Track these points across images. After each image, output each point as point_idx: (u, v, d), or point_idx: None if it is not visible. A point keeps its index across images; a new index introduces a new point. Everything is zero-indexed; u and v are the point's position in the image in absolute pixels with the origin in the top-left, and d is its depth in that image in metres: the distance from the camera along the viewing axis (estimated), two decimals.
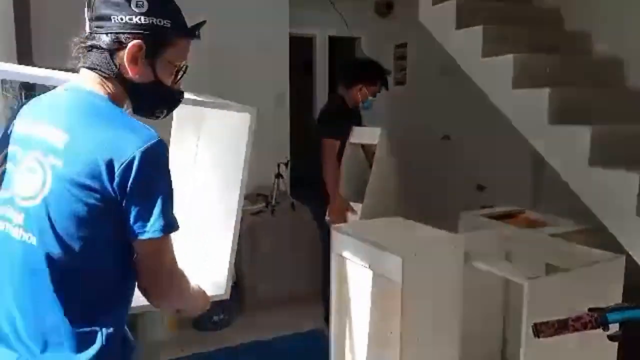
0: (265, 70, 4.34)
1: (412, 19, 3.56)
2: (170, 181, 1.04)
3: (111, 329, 1.04)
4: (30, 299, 1.00)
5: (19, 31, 2.17)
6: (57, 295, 0.99)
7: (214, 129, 1.71)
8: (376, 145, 2.95)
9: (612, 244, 2.24)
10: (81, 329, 1.00)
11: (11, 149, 1.07)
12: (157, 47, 1.11)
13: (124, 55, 1.08)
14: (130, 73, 1.09)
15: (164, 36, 1.12)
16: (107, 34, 1.08)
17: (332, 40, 5.64)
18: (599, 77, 3.12)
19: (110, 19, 1.07)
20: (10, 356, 1.00)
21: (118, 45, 1.07)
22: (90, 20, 1.11)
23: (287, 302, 3.70)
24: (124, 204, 0.99)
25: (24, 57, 2.65)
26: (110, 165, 0.97)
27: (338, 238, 2.26)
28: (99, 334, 1.02)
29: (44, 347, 1.00)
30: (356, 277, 2.25)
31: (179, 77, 1.20)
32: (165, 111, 1.21)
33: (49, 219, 0.98)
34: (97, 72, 1.09)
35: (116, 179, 0.97)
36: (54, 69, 1.52)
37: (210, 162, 1.67)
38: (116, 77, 1.09)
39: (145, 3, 1.08)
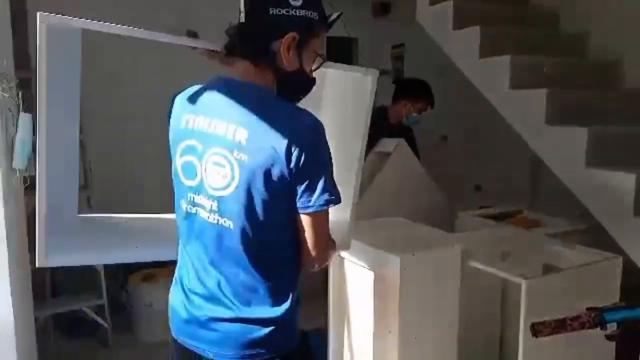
0: None
1: (410, 20, 3.56)
2: (331, 158, 1.18)
3: (296, 291, 1.26)
4: (232, 270, 1.20)
5: (15, 28, 2.17)
6: (253, 266, 1.18)
7: (334, 95, 1.75)
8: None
9: (609, 244, 2.25)
10: (275, 291, 1.21)
11: (189, 143, 1.22)
12: (306, 38, 1.22)
13: (280, 45, 1.18)
14: (284, 62, 1.20)
15: (312, 28, 1.22)
16: (266, 25, 1.18)
17: (330, 41, 5.64)
18: (596, 78, 3.13)
19: (269, 12, 1.17)
20: (222, 310, 1.21)
21: (276, 36, 1.18)
22: (247, 12, 1.22)
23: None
24: (294, 183, 1.13)
25: (20, 53, 2.64)
26: (287, 150, 1.10)
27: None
28: (290, 295, 1.24)
29: (247, 303, 1.20)
30: (354, 277, 2.26)
31: (318, 65, 1.29)
32: (302, 97, 1.29)
33: (241, 205, 1.14)
34: (252, 61, 1.20)
35: (292, 162, 1.11)
36: None
37: (331, 127, 1.71)
38: (269, 65, 1.20)
39: None
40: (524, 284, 1.73)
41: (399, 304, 1.90)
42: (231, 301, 1.21)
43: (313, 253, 1.21)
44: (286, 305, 1.23)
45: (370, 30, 5.57)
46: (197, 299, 1.25)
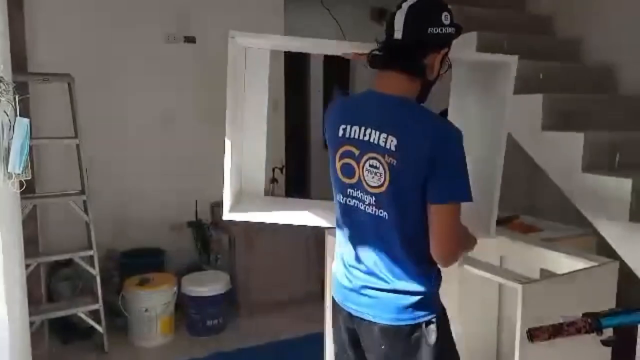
0: None
1: None
2: (465, 163, 1.35)
3: (437, 270, 1.48)
4: (386, 251, 1.44)
5: (12, 32, 2.17)
6: (403, 251, 1.41)
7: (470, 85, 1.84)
8: None
9: (605, 249, 2.25)
10: (420, 270, 1.44)
11: (347, 148, 1.45)
12: (447, 51, 1.42)
13: (434, 59, 1.40)
14: (433, 74, 1.42)
15: (451, 41, 1.43)
16: (424, 42, 1.37)
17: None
18: (592, 83, 3.14)
19: (427, 31, 1.36)
20: (378, 282, 1.45)
21: (431, 52, 1.39)
22: (406, 30, 1.37)
23: (282, 306, 3.70)
24: (430, 177, 1.32)
25: (17, 57, 2.63)
26: (431, 153, 1.31)
27: (333, 242, 2.25)
28: (433, 273, 1.47)
29: (399, 278, 1.43)
30: None
31: (445, 70, 1.48)
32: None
33: (393, 201, 1.37)
34: (405, 73, 1.39)
35: (433, 163, 1.31)
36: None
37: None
38: (418, 76, 1.41)
39: (449, 17, 1.38)
40: (520, 289, 1.73)
41: None
42: (386, 275, 1.44)
43: (436, 249, 1.39)
44: (430, 281, 1.46)
45: (368, 35, 5.58)
46: (357, 272, 1.50)
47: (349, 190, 1.47)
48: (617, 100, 3.05)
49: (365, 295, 1.48)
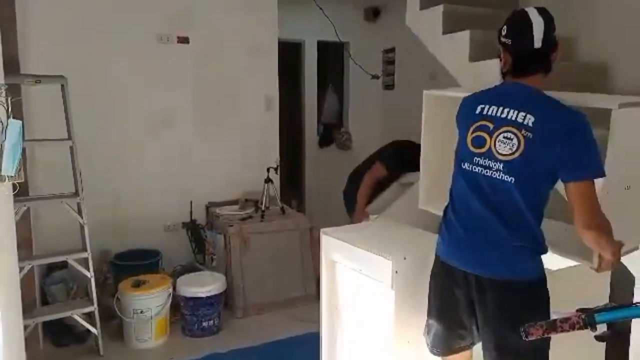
0: (255, 74, 4.34)
1: (400, 24, 3.58)
2: (595, 138, 1.55)
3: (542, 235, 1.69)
4: (507, 209, 1.64)
5: (4, 34, 2.16)
6: (524, 208, 1.62)
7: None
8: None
9: None
10: (535, 229, 1.67)
11: (483, 123, 1.68)
12: None
13: (554, 57, 1.73)
14: (552, 69, 1.73)
15: None
16: (553, 45, 1.70)
17: (321, 46, 5.66)
18: (585, 81, 3.16)
19: (555, 38, 1.71)
20: (495, 240, 1.67)
21: (555, 50, 1.72)
22: (544, 39, 1.66)
23: (278, 307, 3.70)
24: (564, 156, 1.54)
25: (9, 59, 2.62)
26: (563, 131, 1.54)
27: (328, 241, 2.26)
28: (542, 236, 1.69)
29: (517, 236, 1.65)
30: (347, 281, 2.26)
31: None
32: None
33: (522, 167, 1.59)
34: (540, 74, 1.71)
35: (570, 144, 1.53)
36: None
37: None
38: (547, 71, 1.72)
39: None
40: None
41: (392, 306, 1.91)
42: (504, 232, 1.64)
43: (580, 219, 1.56)
44: (540, 241, 1.67)
45: (361, 34, 5.59)
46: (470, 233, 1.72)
47: (476, 158, 1.68)
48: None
49: (486, 253, 1.68)
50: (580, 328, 1.18)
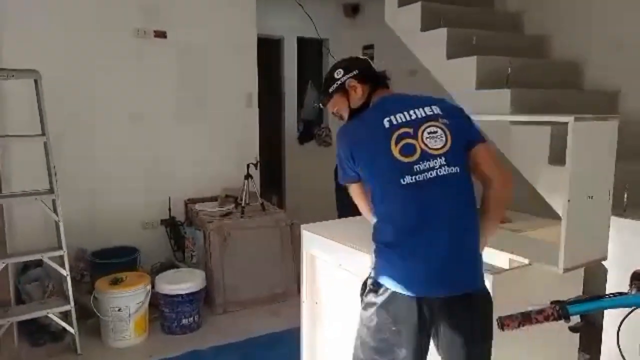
0: (234, 70, 4.32)
1: (379, 21, 3.60)
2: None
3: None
4: (462, 204, 1.58)
5: None
6: (467, 199, 1.59)
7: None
8: None
9: None
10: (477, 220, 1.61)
11: (403, 130, 1.59)
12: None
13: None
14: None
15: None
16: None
17: (300, 42, 5.66)
18: (558, 78, 3.23)
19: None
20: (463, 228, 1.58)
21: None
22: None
23: (258, 303, 3.69)
24: (469, 127, 1.65)
25: None
26: (456, 110, 1.69)
27: (309, 237, 2.27)
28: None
29: (466, 230, 1.58)
30: (327, 276, 2.27)
31: None
32: None
33: (459, 153, 1.58)
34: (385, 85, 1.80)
35: (462, 117, 1.66)
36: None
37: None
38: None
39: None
40: (491, 279, 1.77)
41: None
42: (468, 243, 1.58)
43: (501, 174, 1.61)
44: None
45: (340, 31, 5.60)
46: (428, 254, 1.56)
47: (415, 166, 1.56)
48: (582, 94, 3.14)
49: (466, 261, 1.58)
50: (554, 319, 1.21)
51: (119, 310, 3.11)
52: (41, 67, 2.99)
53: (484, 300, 1.60)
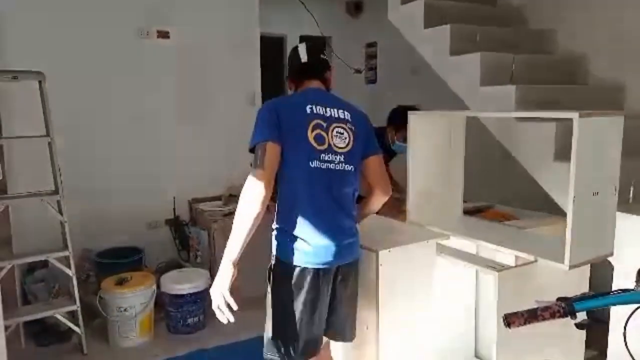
0: (238, 69, 4.32)
1: (382, 19, 3.59)
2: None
3: None
4: (346, 204, 1.85)
5: None
6: (352, 192, 1.88)
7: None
8: None
9: None
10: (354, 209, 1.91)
11: (316, 122, 1.81)
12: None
13: (328, 76, 2.03)
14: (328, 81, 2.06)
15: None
16: (321, 64, 2.02)
17: (303, 40, 5.65)
18: (563, 73, 3.21)
19: (320, 58, 2.05)
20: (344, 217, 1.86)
21: (328, 72, 2.04)
22: (305, 58, 2.00)
23: (263, 302, 3.68)
24: (368, 138, 1.92)
25: None
26: (363, 120, 1.94)
27: None
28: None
29: (353, 229, 1.88)
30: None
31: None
32: None
33: (356, 156, 1.87)
34: (319, 81, 1.98)
35: (367, 128, 1.93)
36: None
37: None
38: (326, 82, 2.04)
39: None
40: (496, 276, 1.77)
41: (376, 299, 1.92)
42: (350, 224, 1.86)
43: (384, 185, 1.97)
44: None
45: (344, 29, 5.59)
46: (331, 228, 1.81)
47: (322, 155, 1.80)
48: (588, 90, 3.12)
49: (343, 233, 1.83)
50: (561, 316, 1.20)
51: (125, 310, 3.11)
52: (44, 68, 3.00)
53: (355, 266, 1.90)
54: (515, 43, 3.23)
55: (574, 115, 1.69)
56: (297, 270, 1.79)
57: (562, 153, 2.39)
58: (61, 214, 3.01)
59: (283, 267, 1.85)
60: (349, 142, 1.84)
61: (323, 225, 1.77)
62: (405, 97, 4.71)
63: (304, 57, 1.96)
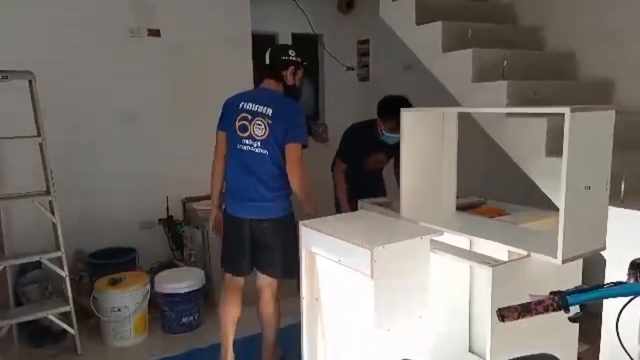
0: (230, 67, 4.30)
1: (374, 16, 3.59)
2: (304, 122, 2.61)
3: (289, 191, 2.59)
4: (264, 176, 2.53)
5: None
6: (271, 174, 2.54)
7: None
8: None
9: None
10: (279, 191, 2.57)
11: (243, 115, 2.54)
12: (295, 70, 2.76)
13: (285, 75, 2.67)
14: (289, 82, 2.70)
15: (297, 65, 2.77)
16: (281, 67, 2.69)
17: (295, 38, 5.63)
18: (553, 69, 3.23)
19: (283, 61, 2.69)
20: (258, 197, 2.56)
21: (285, 72, 2.69)
22: (268, 60, 2.70)
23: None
24: (287, 128, 2.49)
25: None
26: (288, 113, 2.52)
27: (307, 234, 2.26)
28: (286, 195, 2.61)
29: (271, 193, 2.56)
30: (326, 272, 2.27)
31: (300, 83, 2.80)
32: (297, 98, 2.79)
33: (270, 143, 2.49)
34: (274, 80, 2.65)
35: (289, 119, 2.51)
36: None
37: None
38: (281, 81, 2.66)
39: (294, 52, 2.78)
40: (490, 271, 1.77)
41: (371, 296, 1.92)
42: (262, 192, 2.54)
43: (295, 170, 2.51)
44: (289, 189, 2.57)
45: (335, 26, 5.58)
46: (244, 192, 2.58)
47: (244, 140, 2.54)
48: (577, 85, 3.14)
49: (250, 205, 2.55)
50: (554, 310, 1.21)
51: (119, 310, 3.10)
52: (35, 68, 2.97)
53: (273, 223, 2.57)
54: (506, 39, 3.24)
55: (565, 110, 1.69)
56: (226, 216, 2.66)
57: (554, 148, 2.40)
58: (53, 214, 2.99)
59: (225, 214, 2.67)
60: (264, 133, 2.49)
61: (238, 189, 2.57)
62: (398, 94, 4.73)
63: (267, 60, 2.64)
